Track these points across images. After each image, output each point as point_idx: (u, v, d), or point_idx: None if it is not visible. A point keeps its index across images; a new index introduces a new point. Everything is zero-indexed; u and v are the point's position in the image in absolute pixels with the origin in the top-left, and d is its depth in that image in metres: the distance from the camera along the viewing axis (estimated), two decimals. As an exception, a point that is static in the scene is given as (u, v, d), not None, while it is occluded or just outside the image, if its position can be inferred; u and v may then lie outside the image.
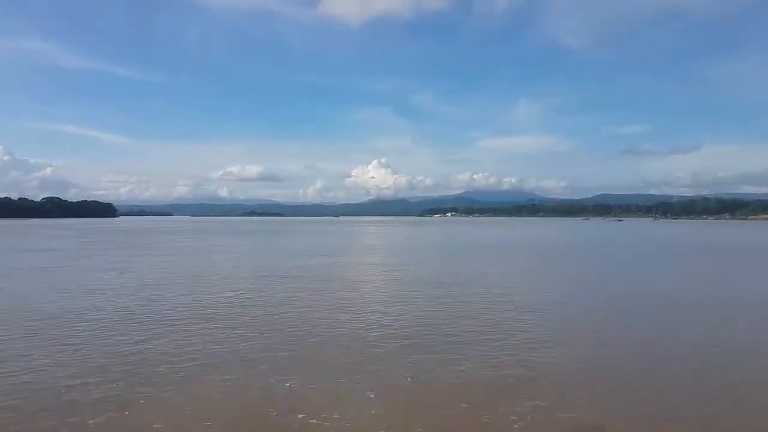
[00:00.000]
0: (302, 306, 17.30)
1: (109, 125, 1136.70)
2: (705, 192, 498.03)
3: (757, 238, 73.51)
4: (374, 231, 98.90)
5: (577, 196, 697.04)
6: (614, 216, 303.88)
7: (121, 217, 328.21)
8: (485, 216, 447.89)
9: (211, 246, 51.64)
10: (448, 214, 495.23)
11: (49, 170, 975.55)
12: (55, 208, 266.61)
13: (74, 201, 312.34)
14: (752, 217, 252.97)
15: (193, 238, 66.84)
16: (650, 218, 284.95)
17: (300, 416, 7.95)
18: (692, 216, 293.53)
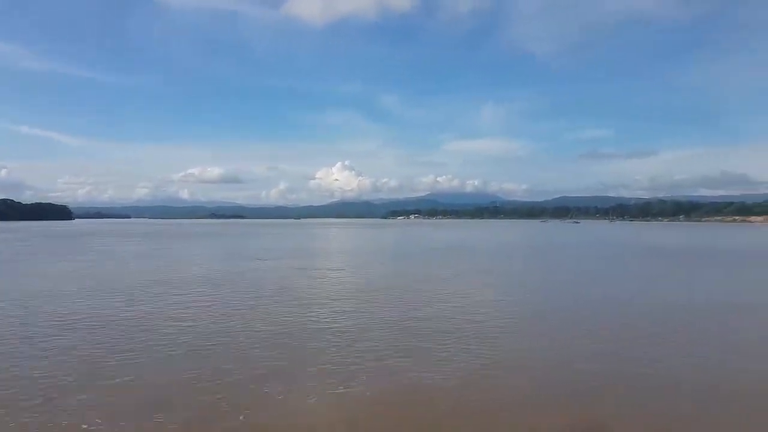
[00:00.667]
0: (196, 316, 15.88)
1: (67, 126, 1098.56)
2: (662, 195, 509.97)
3: (706, 239, 74.08)
4: (330, 233, 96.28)
5: (538, 199, 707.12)
6: (571, 218, 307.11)
7: (77, 219, 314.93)
8: (448, 218, 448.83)
9: (149, 250, 48.70)
10: (412, 216, 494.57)
11: (3, 172, 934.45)
12: (9, 210, 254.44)
13: (29, 203, 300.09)
14: (705, 219, 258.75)
15: (138, 242, 63.61)
16: (606, 220, 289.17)
17: None
18: (648, 218, 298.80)
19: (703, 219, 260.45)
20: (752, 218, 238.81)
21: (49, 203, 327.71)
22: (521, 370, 10.59)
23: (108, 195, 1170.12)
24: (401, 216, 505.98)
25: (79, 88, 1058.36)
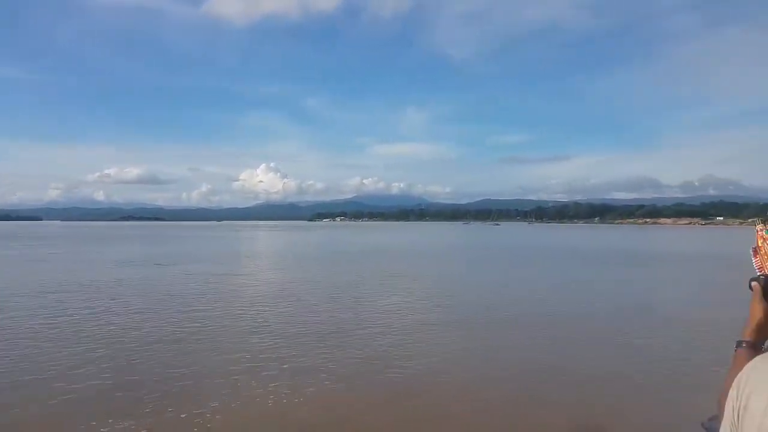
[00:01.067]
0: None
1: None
2: (578, 198, 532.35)
3: (615, 241, 72.17)
4: (246, 236, 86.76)
5: (462, 201, 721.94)
6: (492, 221, 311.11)
7: None
8: (374, 220, 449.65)
9: (36, 254, 39.98)
10: (338, 219, 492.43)
11: None
12: None
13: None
14: (619, 221, 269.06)
15: (28, 246, 52.67)
16: (526, 222, 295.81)
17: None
18: (565, 220, 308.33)
19: (617, 221, 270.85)
20: (662, 220, 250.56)
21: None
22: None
23: (18, 196, 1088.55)
24: (327, 218, 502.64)
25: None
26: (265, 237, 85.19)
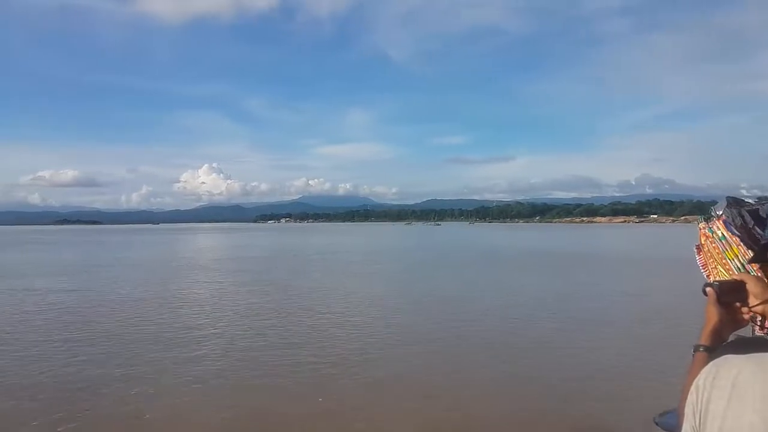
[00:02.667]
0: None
1: None
2: (521, 197, 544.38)
3: (547, 240, 71.64)
4: (168, 240, 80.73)
5: (409, 201, 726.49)
6: (433, 221, 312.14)
7: None
8: (319, 221, 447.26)
9: None
10: (282, 220, 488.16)
11: None
12: None
13: None
14: (557, 220, 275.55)
15: None
16: (467, 222, 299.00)
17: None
18: (507, 219, 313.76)
19: (554, 220, 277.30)
20: (597, 219, 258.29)
21: None
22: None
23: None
24: (271, 220, 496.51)
25: None
26: (192, 240, 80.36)
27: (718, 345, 1.50)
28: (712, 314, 1.53)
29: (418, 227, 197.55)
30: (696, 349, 1.51)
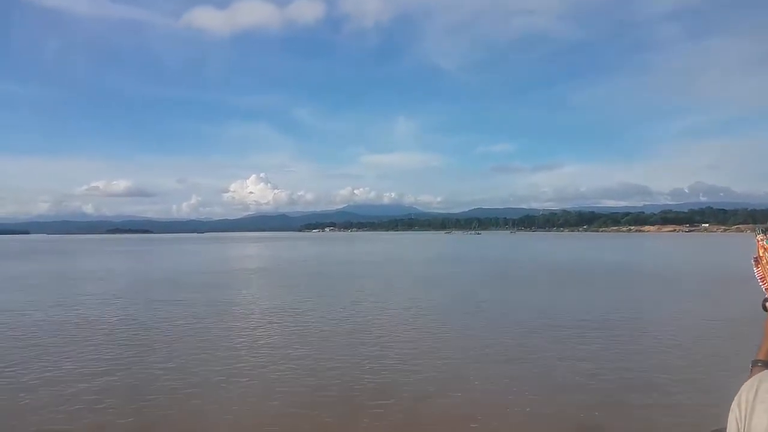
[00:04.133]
0: None
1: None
2: (569, 206, 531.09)
3: (581, 250, 69.32)
4: (196, 250, 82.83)
5: (454, 210, 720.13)
6: (473, 230, 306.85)
7: None
8: (363, 230, 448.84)
9: None
10: (327, 229, 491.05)
11: None
12: None
13: None
14: (603, 229, 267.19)
15: None
16: (508, 231, 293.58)
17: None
18: (553, 228, 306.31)
19: (601, 229, 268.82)
20: (646, 228, 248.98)
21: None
22: None
23: (6, 210, 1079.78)
24: (316, 229, 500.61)
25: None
26: (214, 251, 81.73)
27: None
28: None
29: (457, 236, 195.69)
30: (754, 364, 1.43)
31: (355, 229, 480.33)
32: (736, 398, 1.13)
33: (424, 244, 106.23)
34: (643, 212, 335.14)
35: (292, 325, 15.24)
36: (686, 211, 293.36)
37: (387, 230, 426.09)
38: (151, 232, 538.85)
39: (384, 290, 24.08)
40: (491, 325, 15.24)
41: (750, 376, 1.37)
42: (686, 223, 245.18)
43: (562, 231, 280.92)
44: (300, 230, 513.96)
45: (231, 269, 39.65)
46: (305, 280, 29.78)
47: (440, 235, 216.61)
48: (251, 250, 78.11)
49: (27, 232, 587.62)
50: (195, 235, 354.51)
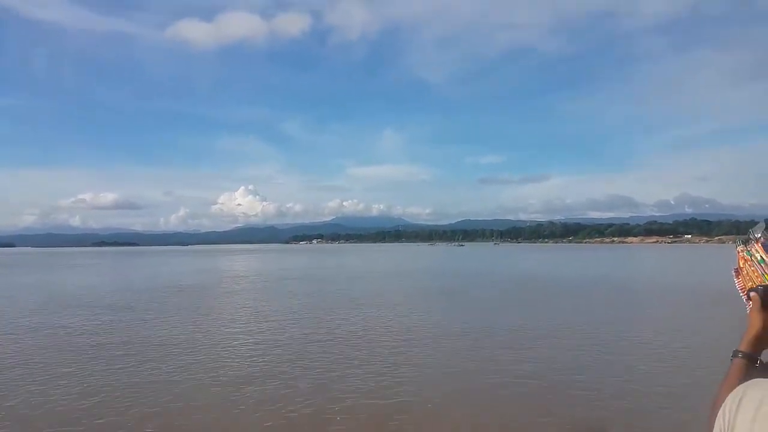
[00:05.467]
0: None
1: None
2: (556, 217, 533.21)
3: (550, 262, 67.84)
4: (161, 263, 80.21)
5: (443, 222, 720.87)
6: (457, 241, 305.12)
7: None
8: (351, 242, 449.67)
9: None
10: (314, 241, 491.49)
11: None
12: None
13: None
14: (587, 240, 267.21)
15: None
16: (492, 243, 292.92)
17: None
18: (539, 240, 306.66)
19: (585, 241, 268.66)
20: (629, 239, 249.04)
21: None
22: None
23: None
24: (303, 241, 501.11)
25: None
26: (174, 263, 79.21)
27: (760, 352, 1.46)
28: (755, 320, 1.48)
29: (440, 248, 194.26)
30: (735, 354, 1.46)
31: (343, 241, 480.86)
32: (722, 406, 1.16)
33: (397, 256, 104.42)
34: (628, 224, 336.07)
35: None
36: (671, 222, 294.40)
37: (375, 242, 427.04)
38: (137, 245, 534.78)
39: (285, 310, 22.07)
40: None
41: (729, 368, 1.42)
42: (670, 235, 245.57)
43: (547, 242, 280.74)
44: (287, 242, 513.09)
45: (158, 286, 37.27)
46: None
47: (424, 247, 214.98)
48: (215, 263, 75.79)
49: (12, 245, 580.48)
50: (177, 247, 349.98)
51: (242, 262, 79.31)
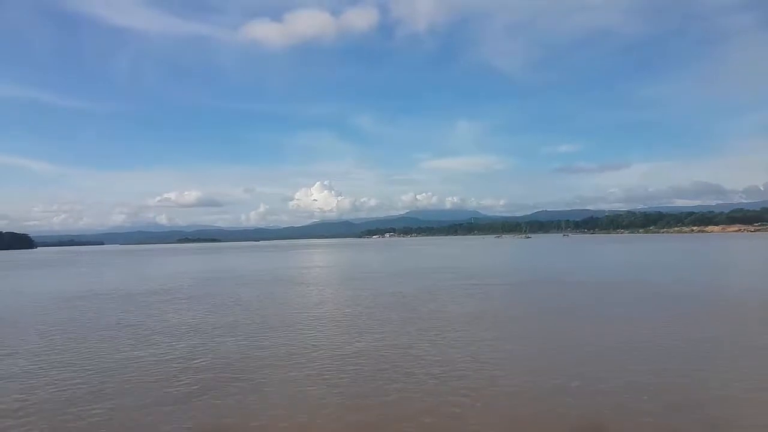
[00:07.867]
0: None
1: (38, 154, 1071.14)
2: (639, 206, 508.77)
3: (603, 257, 67.07)
4: (238, 257, 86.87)
5: (518, 213, 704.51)
6: (524, 233, 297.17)
7: (39, 248, 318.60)
8: (423, 235, 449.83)
9: None
10: (386, 235, 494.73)
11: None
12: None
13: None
14: (665, 230, 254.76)
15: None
16: (560, 234, 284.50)
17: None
18: (617, 230, 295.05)
19: (663, 230, 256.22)
20: (709, 228, 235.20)
21: (10, 232, 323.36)
22: None
23: (84, 222, 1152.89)
24: (376, 235, 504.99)
25: (46, 114, 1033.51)
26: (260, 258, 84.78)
27: None
28: None
29: (506, 240, 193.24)
30: None
31: (415, 234, 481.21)
32: None
33: (460, 250, 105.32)
34: (713, 211, 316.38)
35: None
36: (758, 209, 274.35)
37: (447, 235, 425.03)
38: (219, 241, 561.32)
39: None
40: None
41: None
42: (756, 222, 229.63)
43: (623, 233, 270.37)
44: (360, 236, 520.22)
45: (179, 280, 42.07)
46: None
47: (490, 240, 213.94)
48: (279, 260, 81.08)
49: (102, 243, 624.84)
50: (251, 243, 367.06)
51: (302, 257, 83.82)
